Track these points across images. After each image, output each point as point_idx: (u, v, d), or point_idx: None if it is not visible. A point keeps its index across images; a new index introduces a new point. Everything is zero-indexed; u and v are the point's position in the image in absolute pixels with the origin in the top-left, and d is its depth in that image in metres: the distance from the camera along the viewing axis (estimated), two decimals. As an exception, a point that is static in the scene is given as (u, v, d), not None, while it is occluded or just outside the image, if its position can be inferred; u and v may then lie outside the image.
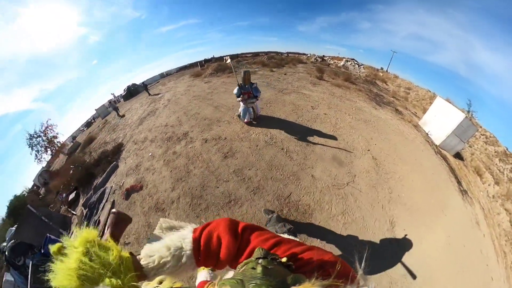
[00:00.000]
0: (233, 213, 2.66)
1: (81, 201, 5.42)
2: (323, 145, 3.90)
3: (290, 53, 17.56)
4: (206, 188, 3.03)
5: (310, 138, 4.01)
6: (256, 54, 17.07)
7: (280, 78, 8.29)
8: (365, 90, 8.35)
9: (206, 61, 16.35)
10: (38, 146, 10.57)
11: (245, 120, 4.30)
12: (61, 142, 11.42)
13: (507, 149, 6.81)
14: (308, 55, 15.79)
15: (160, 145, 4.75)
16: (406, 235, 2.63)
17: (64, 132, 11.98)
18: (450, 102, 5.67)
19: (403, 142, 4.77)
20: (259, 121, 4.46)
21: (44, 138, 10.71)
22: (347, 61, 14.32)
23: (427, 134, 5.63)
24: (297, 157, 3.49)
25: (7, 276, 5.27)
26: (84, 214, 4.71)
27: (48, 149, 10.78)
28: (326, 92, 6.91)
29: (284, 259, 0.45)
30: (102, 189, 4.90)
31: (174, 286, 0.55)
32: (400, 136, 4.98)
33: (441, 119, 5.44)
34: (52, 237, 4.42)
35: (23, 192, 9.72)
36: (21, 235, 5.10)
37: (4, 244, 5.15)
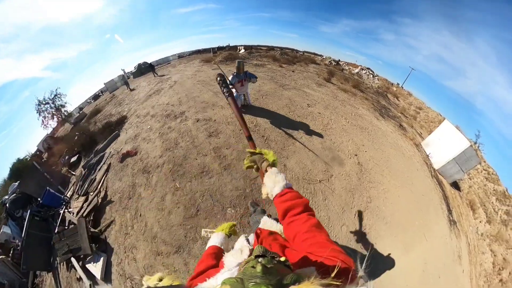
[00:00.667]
0: (203, 182, 3.27)
1: (82, 164, 6.37)
2: (305, 139, 4.26)
3: (306, 52, 18.25)
4: (187, 159, 3.72)
5: (294, 132, 4.40)
6: (271, 48, 17.64)
7: (286, 74, 8.74)
8: (372, 99, 8.56)
9: (219, 48, 17.16)
10: (45, 112, 11.77)
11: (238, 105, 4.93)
12: (68, 112, 12.64)
13: (507, 190, 6.89)
14: (324, 57, 16.32)
15: (159, 120, 5.51)
16: (375, 249, 2.65)
17: (71, 103, 13.23)
18: (458, 129, 5.67)
19: (398, 157, 4.83)
20: (249, 109, 4.96)
21: (52, 105, 11.89)
22: (362, 69, 14.70)
23: (427, 155, 5.70)
24: (274, 145, 3.90)
25: (4, 229, 6.39)
26: (83, 174, 5.61)
27: (55, 117, 12.00)
28: (329, 94, 7.26)
29: (283, 258, 0.48)
30: (102, 153, 5.80)
31: (173, 284, 0.59)
32: (396, 150, 5.06)
33: (445, 143, 5.48)
34: (51, 191, 5.41)
35: (26, 156, 11.09)
36: (24, 187, 6.16)
37: (6, 197, 6.22)
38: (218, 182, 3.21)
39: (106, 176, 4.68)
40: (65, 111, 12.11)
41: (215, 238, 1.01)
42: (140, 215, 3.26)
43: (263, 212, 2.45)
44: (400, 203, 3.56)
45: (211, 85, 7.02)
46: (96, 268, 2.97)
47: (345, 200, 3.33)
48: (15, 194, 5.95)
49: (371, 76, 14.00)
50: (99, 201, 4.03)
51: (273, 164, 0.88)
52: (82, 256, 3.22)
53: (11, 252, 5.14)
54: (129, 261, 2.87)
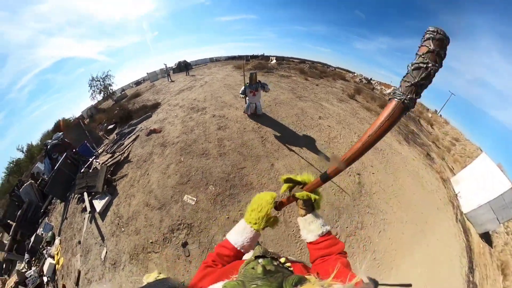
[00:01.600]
0: (201, 161, 4.15)
1: (116, 131, 7.91)
2: (302, 147, 4.60)
3: (339, 68, 18.26)
4: (196, 142, 4.74)
5: (294, 139, 4.88)
6: (302, 61, 18.42)
7: (308, 87, 9.25)
8: (399, 123, 8.25)
9: (252, 57, 18.92)
10: (95, 87, 14.61)
11: (248, 113, 5.59)
12: (113, 90, 15.27)
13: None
14: (355, 74, 16.10)
15: (184, 111, 6.79)
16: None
17: (117, 84, 16.08)
18: (499, 167, 4.72)
19: (415, 188, 4.37)
20: (258, 116, 5.60)
21: (102, 83, 14.76)
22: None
23: (455, 194, 4.97)
24: (270, 146, 4.51)
25: (38, 164, 8.16)
26: (115, 139, 7.05)
27: (102, 92, 14.78)
28: (348, 110, 7.25)
29: (283, 259, 0.51)
30: (134, 127, 7.23)
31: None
32: (414, 180, 4.64)
33: (480, 183, 4.66)
34: (87, 144, 6.90)
35: (70, 117, 13.70)
36: (67, 137, 7.83)
37: (49, 141, 7.94)
38: (212, 164, 4.08)
39: (132, 143, 5.96)
40: (111, 89, 14.74)
41: (236, 233, 0.77)
42: (148, 174, 4.28)
43: None
44: (401, 241, 3.09)
45: (234, 89, 8.23)
46: (99, 204, 4.01)
47: (327, 216, 3.18)
48: (57, 140, 7.63)
49: None
50: (121, 158, 5.23)
51: (312, 205, 0.78)
52: (93, 193, 4.31)
53: (39, 182, 6.68)
54: (125, 204, 3.85)
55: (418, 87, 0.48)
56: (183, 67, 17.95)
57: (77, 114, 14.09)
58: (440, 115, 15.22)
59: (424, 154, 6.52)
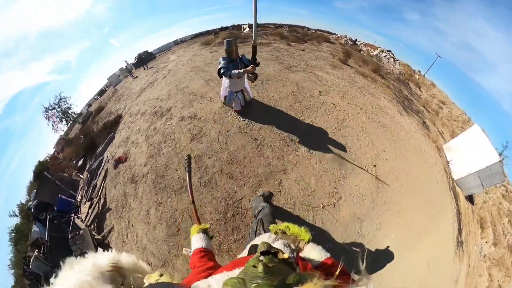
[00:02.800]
0: (182, 199, 3.13)
1: (87, 167, 6.81)
2: (312, 144, 3.57)
3: (319, 30, 17.10)
4: (168, 169, 3.59)
5: (299, 132, 3.76)
6: (279, 26, 16.85)
7: (294, 54, 7.92)
8: (394, 88, 7.66)
9: (221, 29, 16.25)
10: (54, 117, 12.75)
11: (235, 109, 4.01)
12: (75, 112, 13.52)
13: (524, 212, 6.46)
14: (339, 35, 15.25)
15: (147, 120, 5.45)
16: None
17: (78, 103, 14.17)
18: (486, 135, 5.31)
19: (420, 165, 4.28)
20: (265, 119, 3.99)
21: (58, 109, 12.82)
22: (382, 51, 13.88)
23: (447, 162, 5.33)
24: (270, 154, 3.36)
25: (35, 228, 7.53)
26: (87, 179, 6.00)
27: (63, 119, 12.92)
28: (346, 79, 6.42)
29: (286, 255, 0.49)
30: (100, 157, 6.07)
31: (173, 281, 0.62)
32: (419, 157, 4.49)
33: (470, 152, 5.19)
34: (63, 197, 5.98)
35: (45, 158, 12.49)
36: (40, 196, 7.00)
37: (31, 203, 7.15)
38: (197, 202, 3.02)
39: (104, 182, 4.93)
40: (72, 112, 12.98)
41: (198, 242, 1.05)
42: (132, 226, 3.41)
43: (268, 202, 2.44)
44: (413, 227, 3.16)
45: (204, 71, 6.66)
46: None
47: (349, 231, 2.84)
48: (36, 200, 6.90)
49: (392, 60, 13.16)
50: (100, 208, 4.34)
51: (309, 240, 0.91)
52: None
53: (43, 248, 6.24)
54: None
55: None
56: (146, 58, 15.85)
57: (51, 150, 12.86)
58: (425, 77, 15.25)
59: (421, 122, 6.33)
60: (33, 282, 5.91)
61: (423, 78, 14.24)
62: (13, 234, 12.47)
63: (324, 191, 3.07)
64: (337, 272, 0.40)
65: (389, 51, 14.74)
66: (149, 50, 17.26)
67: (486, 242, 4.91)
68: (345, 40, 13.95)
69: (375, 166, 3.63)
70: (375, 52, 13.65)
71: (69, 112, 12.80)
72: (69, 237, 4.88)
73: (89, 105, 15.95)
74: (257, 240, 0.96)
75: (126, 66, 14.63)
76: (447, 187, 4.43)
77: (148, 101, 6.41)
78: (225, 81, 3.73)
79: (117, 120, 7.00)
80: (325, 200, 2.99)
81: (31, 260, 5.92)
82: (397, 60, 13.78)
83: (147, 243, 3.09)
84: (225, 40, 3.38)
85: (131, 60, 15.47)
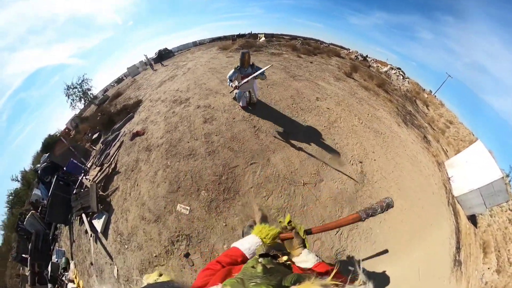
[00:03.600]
0: (188, 163, 3.86)
1: (101, 140, 7.64)
2: (301, 135, 4.24)
3: (332, 44, 18.02)
4: (181, 141, 4.39)
5: (291, 125, 4.56)
6: (293, 38, 17.80)
7: (302, 65, 8.77)
8: (397, 103, 8.08)
9: (239, 36, 17.69)
10: (73, 96, 13.98)
11: (241, 105, 4.73)
12: (94, 94, 14.65)
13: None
14: (350, 50, 15.87)
15: (167, 105, 6.35)
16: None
17: (96, 86, 15.42)
18: (491, 155, 5.16)
19: (414, 173, 4.49)
20: (263, 113, 4.71)
21: (79, 89, 14.05)
22: (392, 68, 14.17)
23: (448, 178, 5.32)
24: (264, 137, 4.13)
25: (35, 191, 8.18)
26: (101, 149, 6.79)
27: (82, 99, 14.19)
28: (346, 90, 7.01)
29: (284, 258, 0.54)
30: (117, 132, 6.92)
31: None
32: (413, 165, 4.73)
33: (472, 169, 5.04)
34: (74, 161, 6.74)
35: (56, 132, 13.40)
36: (53, 157, 7.71)
37: (38, 165, 7.85)
38: (201, 165, 3.78)
39: (118, 151, 5.70)
40: (91, 94, 14.15)
41: (247, 243, 0.86)
42: (137, 185, 4.07)
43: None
44: (401, 229, 3.23)
45: (220, 72, 7.63)
46: (99, 224, 3.92)
47: (330, 212, 3.15)
48: (45, 163, 7.57)
49: (401, 77, 13.42)
50: (110, 171, 5.02)
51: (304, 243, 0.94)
52: (90, 213, 4.18)
53: (40, 209, 6.73)
54: (122, 221, 3.73)
55: (370, 216, 1.13)
56: (166, 54, 17.08)
57: (62, 126, 13.78)
58: (435, 96, 15.58)
59: (422, 136, 6.54)
60: (22, 238, 6.30)
61: (432, 97, 14.41)
62: (11, 197, 13.04)
63: (307, 171, 3.61)
64: (333, 272, 0.41)
65: (399, 68, 15.11)
66: (169, 48, 18.63)
67: (489, 268, 4.57)
68: (355, 56, 14.42)
69: (361, 162, 3.99)
70: (385, 69, 13.98)
71: (88, 93, 13.94)
72: (73, 192, 5.40)
73: (105, 90, 17.16)
74: (235, 243, 0.91)
75: (145, 60, 15.96)
76: (444, 200, 4.48)
77: (169, 91, 7.37)
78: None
79: (137, 103, 7.95)
80: (307, 179, 3.48)
81: (26, 217, 6.39)
82: (406, 78, 13.98)
83: (147, 199, 3.70)
84: (241, 51, 4.18)
85: (150, 54, 16.76)
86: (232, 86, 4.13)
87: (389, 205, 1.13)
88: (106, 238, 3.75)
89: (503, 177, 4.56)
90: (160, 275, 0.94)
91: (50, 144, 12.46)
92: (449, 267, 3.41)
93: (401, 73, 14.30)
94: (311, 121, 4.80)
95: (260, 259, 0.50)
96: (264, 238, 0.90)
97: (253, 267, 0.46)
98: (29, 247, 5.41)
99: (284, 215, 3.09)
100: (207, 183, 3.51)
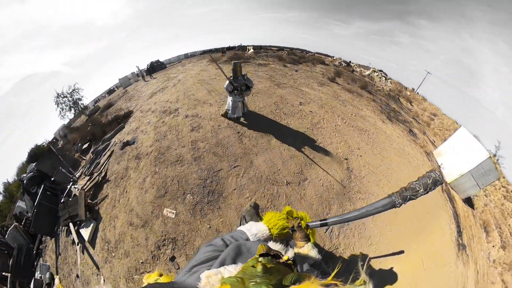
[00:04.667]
0: (175, 169, 4.00)
1: (91, 150, 7.61)
2: (284, 137, 4.43)
3: (318, 53, 19.01)
4: (169, 149, 4.54)
5: (274, 129, 4.74)
6: (280, 49, 18.55)
7: (287, 74, 9.14)
8: (380, 102, 8.34)
9: (228, 48, 18.31)
10: (63, 105, 13.70)
11: (235, 116, 4.70)
12: (84, 104, 14.52)
13: (528, 211, 6.25)
14: (334, 57, 16.62)
15: (156, 116, 6.50)
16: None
17: (88, 96, 15.32)
18: (476, 138, 5.27)
19: (403, 165, 4.50)
20: (248, 119, 4.83)
21: (70, 99, 13.83)
22: (374, 71, 14.70)
23: (438, 166, 5.39)
24: (247, 142, 4.33)
25: (19, 203, 7.88)
26: (91, 158, 6.78)
27: (72, 109, 13.91)
28: (330, 94, 7.26)
29: (285, 258, 0.53)
30: (108, 142, 6.95)
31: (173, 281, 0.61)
32: (401, 157, 4.76)
33: (460, 154, 5.10)
34: (63, 170, 6.65)
35: (43, 142, 13.06)
36: (41, 165, 7.54)
37: (24, 175, 7.67)
38: (187, 170, 3.93)
39: (108, 160, 5.73)
40: (81, 104, 14.00)
41: (255, 229, 0.88)
42: (126, 192, 4.15)
43: (257, 214, 2.67)
44: (395, 221, 3.18)
45: (209, 84, 7.91)
46: (86, 232, 3.92)
47: (317, 210, 3.14)
48: (32, 173, 7.35)
49: (384, 78, 13.99)
50: (100, 179, 5.06)
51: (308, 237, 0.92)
52: (78, 222, 4.18)
53: (23, 221, 6.47)
54: (110, 228, 3.76)
55: (408, 200, 0.81)
56: (158, 66, 17.30)
57: (50, 137, 13.49)
58: (417, 93, 16.37)
59: (407, 130, 6.67)
60: (3, 253, 5.93)
61: (414, 94, 14.99)
62: (-10, 211, 12.26)
63: (289, 171, 3.70)
64: (334, 272, 0.41)
65: (381, 71, 15.78)
66: (161, 60, 18.92)
67: (493, 246, 4.57)
68: (339, 62, 14.95)
69: (346, 159, 4.08)
70: (368, 72, 14.46)
71: (79, 103, 13.82)
72: (61, 201, 5.28)
73: (96, 100, 17.09)
74: (243, 227, 0.93)
75: (137, 71, 16.12)
76: (438, 188, 4.63)
77: (159, 102, 7.55)
78: (230, 98, 4.65)
79: (128, 114, 8.05)
80: (290, 178, 3.57)
81: (8, 230, 6.07)
82: (389, 79, 14.68)
83: (135, 205, 3.77)
84: (232, 62, 4.35)
85: (142, 66, 16.93)
86: (229, 92, 4.29)
87: (436, 182, 0.81)
88: (94, 247, 3.74)
89: (490, 157, 4.66)
90: (161, 275, 0.94)
91: (37, 154, 12.10)
92: (454, 252, 3.35)
93: (383, 74, 14.92)
94: (294, 124, 5.00)
95: (260, 259, 0.50)
96: (272, 228, 0.89)
97: (253, 266, 0.46)
98: (10, 263, 5.19)
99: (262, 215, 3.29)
100: (192, 187, 3.64)
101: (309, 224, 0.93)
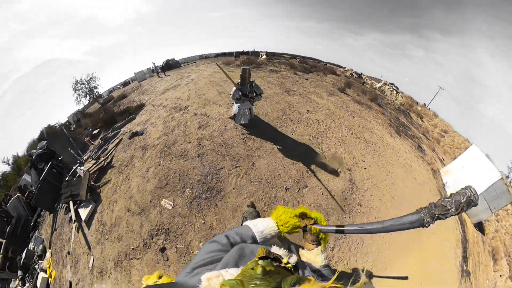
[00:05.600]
0: (179, 163, 4.07)
1: (101, 136, 7.83)
2: (288, 143, 4.42)
3: (329, 63, 18.72)
4: (175, 143, 4.64)
5: (279, 134, 4.73)
6: (293, 57, 18.53)
7: (297, 82, 9.12)
8: (390, 115, 8.21)
9: (242, 53, 18.71)
10: (80, 91, 14.33)
11: (242, 122, 4.64)
12: (99, 93, 15.04)
13: (541, 241, 5.84)
14: (345, 68, 16.37)
15: (167, 111, 6.67)
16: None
17: (103, 85, 15.90)
18: (488, 158, 4.93)
19: (408, 181, 4.43)
20: (254, 123, 4.73)
21: (87, 86, 14.45)
22: (386, 84, 14.33)
23: (443, 185, 5.16)
24: (252, 144, 4.36)
25: (25, 176, 8.08)
26: (100, 144, 6.98)
27: (88, 96, 14.51)
28: (338, 104, 7.17)
29: (285, 261, 0.52)
30: (118, 130, 7.15)
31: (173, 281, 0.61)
32: (407, 173, 4.68)
33: (470, 174, 4.77)
34: (72, 151, 6.85)
35: (56, 123, 13.50)
36: (51, 144, 7.76)
37: (34, 151, 7.88)
38: (190, 165, 3.99)
39: (116, 147, 5.90)
40: (97, 92, 14.51)
41: (262, 225, 0.83)
42: (129, 179, 4.24)
43: (258, 215, 2.62)
44: (396, 239, 3.06)
45: (219, 85, 8.09)
46: (84, 212, 4.01)
47: None
48: (42, 150, 7.57)
49: (395, 92, 13.59)
50: (105, 164, 5.20)
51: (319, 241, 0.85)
52: (78, 201, 4.29)
53: (26, 194, 6.65)
54: (108, 211, 3.84)
55: (436, 219, 0.67)
56: (173, 64, 17.74)
57: (63, 119, 13.92)
58: (429, 108, 15.83)
59: (416, 146, 6.51)
60: (1, 219, 6.04)
61: (425, 109, 14.41)
62: (-2, 180, 12.62)
63: (290, 176, 3.67)
64: (335, 276, 0.41)
65: (392, 84, 15.22)
66: (176, 58, 19.37)
67: (501, 275, 4.27)
68: (350, 73, 14.67)
69: (350, 170, 3.97)
70: (379, 85, 14.03)
71: (94, 91, 14.32)
72: (65, 180, 5.41)
73: (110, 90, 17.59)
74: (249, 222, 0.88)
75: (153, 67, 16.60)
76: None
77: (171, 98, 7.76)
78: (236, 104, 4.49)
79: (140, 107, 8.29)
80: (290, 184, 3.52)
81: (11, 199, 6.23)
82: (400, 93, 14.11)
83: (135, 193, 3.83)
84: (242, 68, 4.05)
85: (158, 63, 17.40)
86: (235, 101, 4.19)
87: (471, 202, 0.64)
88: (89, 228, 3.81)
89: (502, 178, 4.37)
90: (160, 276, 0.92)
91: (48, 134, 12.47)
92: (457, 279, 3.19)
93: (394, 88, 14.50)
94: (300, 131, 4.99)
95: (260, 261, 0.49)
96: (282, 225, 0.84)
97: (252, 268, 0.45)
98: (7, 230, 5.23)
99: (264, 216, 3.31)
100: (193, 182, 3.70)
101: (323, 228, 0.83)
